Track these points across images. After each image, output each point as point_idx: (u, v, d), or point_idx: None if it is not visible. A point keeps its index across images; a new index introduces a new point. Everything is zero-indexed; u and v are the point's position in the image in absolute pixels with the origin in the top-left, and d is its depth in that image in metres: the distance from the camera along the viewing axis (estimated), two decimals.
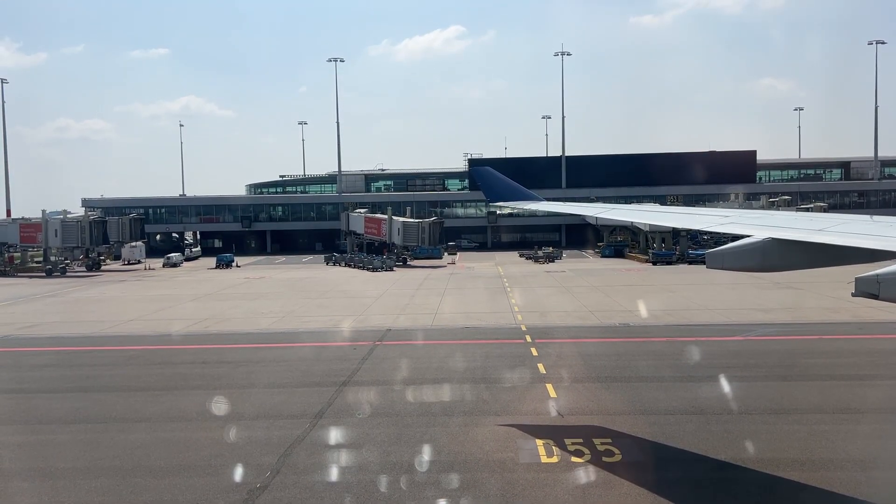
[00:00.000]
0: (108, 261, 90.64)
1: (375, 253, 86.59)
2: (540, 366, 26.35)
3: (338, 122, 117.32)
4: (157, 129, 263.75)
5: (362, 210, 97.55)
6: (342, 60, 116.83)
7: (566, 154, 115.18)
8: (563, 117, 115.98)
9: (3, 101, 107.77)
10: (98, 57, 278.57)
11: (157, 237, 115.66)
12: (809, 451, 16.85)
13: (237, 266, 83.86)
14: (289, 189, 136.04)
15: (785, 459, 16.31)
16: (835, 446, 17.23)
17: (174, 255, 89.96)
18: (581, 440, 17.63)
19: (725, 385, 23.37)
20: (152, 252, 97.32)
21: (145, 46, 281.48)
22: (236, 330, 37.46)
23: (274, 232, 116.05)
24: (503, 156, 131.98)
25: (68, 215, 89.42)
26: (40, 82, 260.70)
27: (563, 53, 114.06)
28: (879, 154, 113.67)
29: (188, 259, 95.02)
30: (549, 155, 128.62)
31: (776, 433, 18.32)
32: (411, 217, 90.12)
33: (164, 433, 19.49)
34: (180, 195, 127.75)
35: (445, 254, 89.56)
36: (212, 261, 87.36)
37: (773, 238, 12.71)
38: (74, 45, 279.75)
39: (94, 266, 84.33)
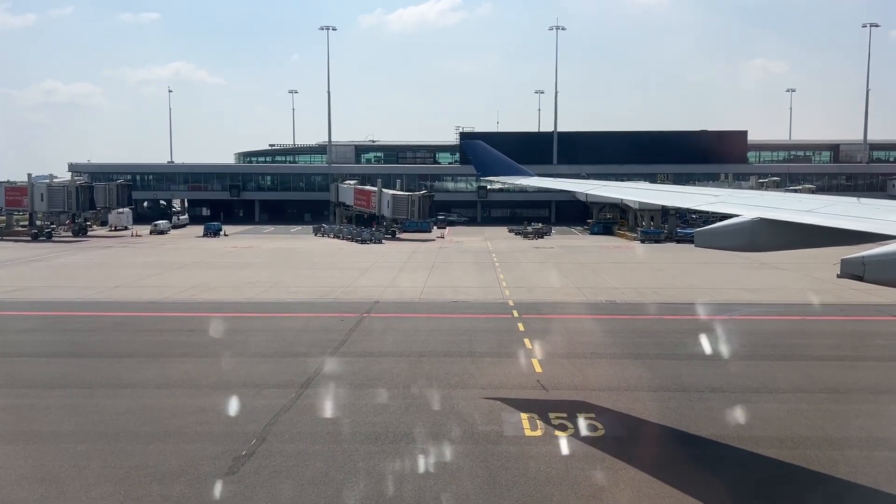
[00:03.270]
0: (94, 226, 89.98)
1: (364, 225, 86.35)
2: (526, 341, 26.50)
3: (328, 92, 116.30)
4: (146, 94, 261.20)
5: (352, 182, 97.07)
6: (334, 29, 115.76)
7: (558, 130, 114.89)
8: (556, 93, 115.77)
9: None
10: (87, 19, 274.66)
11: (145, 204, 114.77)
12: (789, 430, 17.10)
13: (225, 235, 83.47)
14: (278, 158, 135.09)
15: (765, 437, 16.57)
16: (813, 425, 17.51)
17: (161, 223, 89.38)
18: (565, 415, 17.82)
19: (708, 363, 23.62)
20: (139, 219, 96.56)
21: (135, 10, 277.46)
22: (223, 299, 37.38)
23: (262, 201, 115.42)
24: (495, 130, 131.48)
25: (55, 180, 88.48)
26: (28, 44, 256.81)
27: (557, 28, 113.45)
28: (868, 137, 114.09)
29: (175, 227, 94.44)
30: (541, 130, 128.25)
31: (757, 411, 18.57)
32: (401, 190, 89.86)
33: (150, 400, 19.52)
34: (168, 162, 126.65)
35: (434, 227, 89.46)
36: (199, 229, 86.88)
37: (761, 218, 12.76)
38: (63, 7, 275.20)
39: (80, 231, 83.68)
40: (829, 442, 16.43)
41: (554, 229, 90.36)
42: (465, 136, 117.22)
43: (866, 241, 11.31)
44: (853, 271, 10.54)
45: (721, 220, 13.81)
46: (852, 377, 22.15)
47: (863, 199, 13.80)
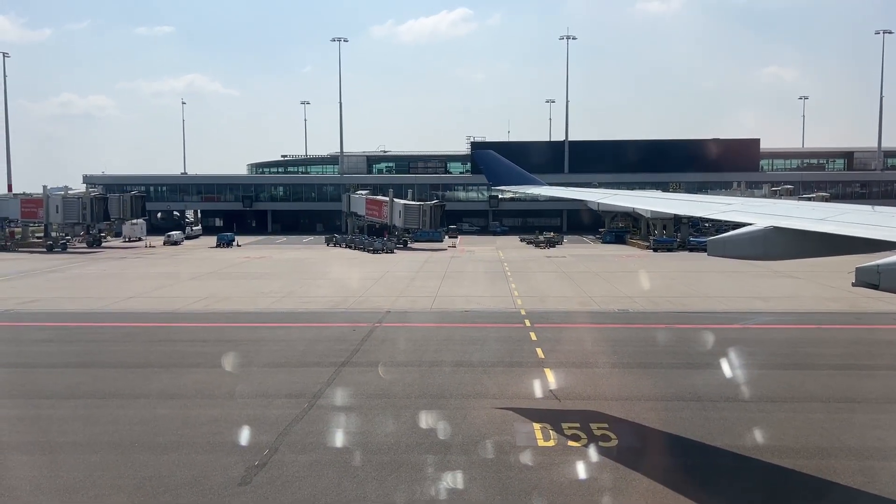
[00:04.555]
0: (108, 237, 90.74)
1: (376, 235, 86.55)
2: (538, 350, 26.41)
3: (340, 103, 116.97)
4: (160, 106, 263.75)
5: (364, 191, 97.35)
6: (346, 40, 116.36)
7: (569, 139, 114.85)
8: (567, 102, 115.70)
9: (5, 76, 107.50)
10: (103, 33, 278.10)
11: (158, 215, 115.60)
12: (805, 440, 16.92)
13: (238, 245, 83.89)
14: (290, 169, 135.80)
15: (780, 447, 16.39)
16: (830, 435, 17.32)
17: (175, 233, 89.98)
18: (578, 425, 17.70)
19: (722, 372, 23.44)
20: (153, 230, 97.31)
21: (150, 24, 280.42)
22: (236, 309, 37.51)
23: (275, 212, 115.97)
24: (506, 139, 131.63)
25: (70, 191, 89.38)
26: (45, 58, 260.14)
27: (568, 37, 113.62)
28: (883, 145, 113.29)
29: (189, 237, 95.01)
30: (552, 139, 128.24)
31: (772, 421, 18.40)
32: (413, 199, 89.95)
33: (163, 410, 19.58)
34: (182, 173, 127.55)
35: (446, 237, 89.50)
36: (212, 239, 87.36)
37: (774, 227, 12.67)
38: (79, 22, 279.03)
39: (94, 242, 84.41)
40: (846, 452, 16.23)
41: (566, 238, 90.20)
42: (476, 145, 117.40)
43: (881, 249, 11.21)
44: (868, 280, 10.46)
45: (734, 229, 13.73)
46: (868, 386, 21.90)
47: (877, 208, 13.68)
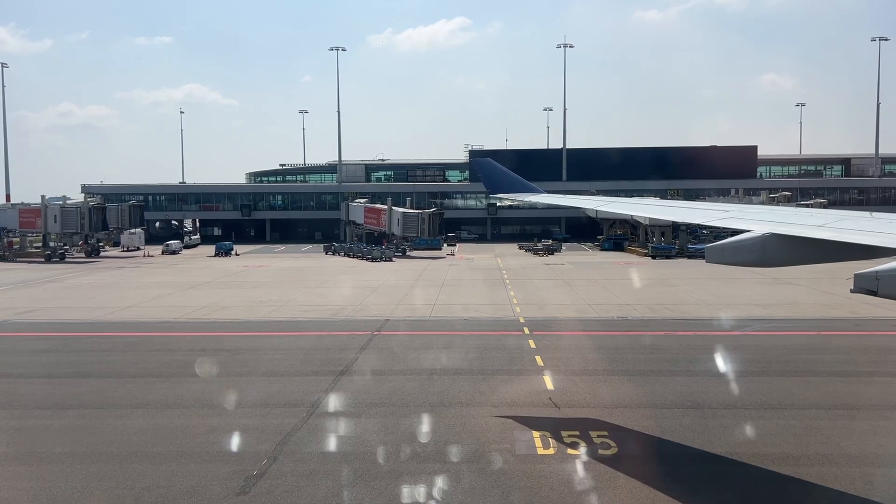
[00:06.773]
0: (107, 247, 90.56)
1: (375, 243, 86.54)
2: (537, 358, 26.38)
3: (338, 112, 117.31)
4: (159, 116, 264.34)
5: (362, 200, 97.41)
6: (344, 49, 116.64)
7: (568, 147, 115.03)
8: (565, 110, 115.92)
9: (4, 86, 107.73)
10: (102, 44, 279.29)
11: (157, 224, 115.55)
12: (805, 447, 16.89)
13: (236, 254, 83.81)
14: (289, 178, 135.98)
15: (780, 454, 16.36)
16: (830, 442, 17.29)
17: (173, 243, 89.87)
18: (577, 432, 17.67)
19: (722, 379, 23.41)
20: (151, 239, 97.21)
21: (150, 34, 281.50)
22: (235, 318, 37.47)
23: (273, 221, 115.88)
24: (504, 147, 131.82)
25: (68, 201, 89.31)
26: (45, 68, 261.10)
27: (565, 45, 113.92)
28: (880, 151, 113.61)
29: (187, 247, 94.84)
30: (550, 147, 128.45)
31: (772, 428, 18.37)
32: (411, 208, 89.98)
33: (162, 420, 19.52)
34: (180, 182, 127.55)
35: (445, 245, 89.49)
36: (211, 249, 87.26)
37: (772, 233, 12.68)
38: (80, 32, 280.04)
39: (93, 252, 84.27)
40: (846, 459, 16.20)
41: (564, 246, 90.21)
42: (474, 153, 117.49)
43: (879, 255, 11.22)
44: (867, 286, 10.46)
45: (732, 236, 13.74)
46: (868, 393, 21.88)
47: (875, 214, 13.68)
